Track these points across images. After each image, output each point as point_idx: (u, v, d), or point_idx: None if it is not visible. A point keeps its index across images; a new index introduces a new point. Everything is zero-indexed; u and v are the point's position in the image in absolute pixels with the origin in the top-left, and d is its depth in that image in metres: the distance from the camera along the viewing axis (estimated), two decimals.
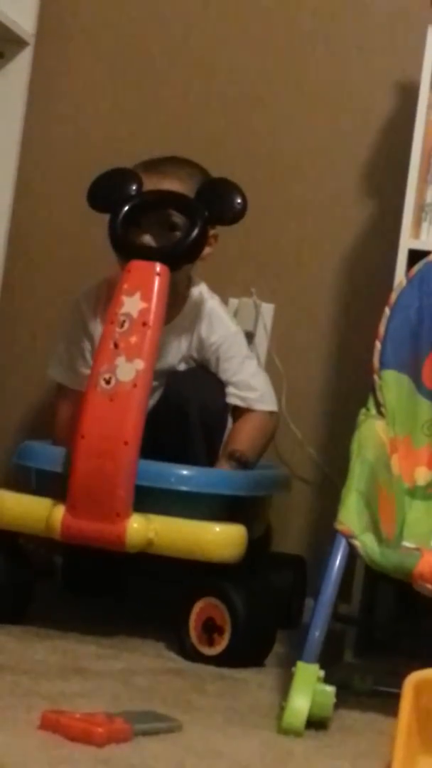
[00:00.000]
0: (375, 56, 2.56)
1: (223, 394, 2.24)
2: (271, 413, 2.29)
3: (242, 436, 2.23)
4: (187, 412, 2.18)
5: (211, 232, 2.20)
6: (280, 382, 2.46)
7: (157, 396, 2.20)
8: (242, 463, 2.20)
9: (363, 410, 1.97)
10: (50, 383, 2.33)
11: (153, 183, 2.19)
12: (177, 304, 2.22)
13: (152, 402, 2.15)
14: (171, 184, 2.19)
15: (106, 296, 2.23)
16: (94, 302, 2.26)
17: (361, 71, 2.57)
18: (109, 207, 2.17)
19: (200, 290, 2.28)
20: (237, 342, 2.28)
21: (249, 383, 2.26)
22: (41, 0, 2.63)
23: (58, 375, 2.30)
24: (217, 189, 2.18)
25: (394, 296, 2.05)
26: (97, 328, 2.22)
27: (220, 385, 2.24)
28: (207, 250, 2.20)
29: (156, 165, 2.23)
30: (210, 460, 2.20)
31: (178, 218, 2.17)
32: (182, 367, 2.25)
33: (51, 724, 1.50)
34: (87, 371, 2.19)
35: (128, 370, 2.05)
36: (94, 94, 2.69)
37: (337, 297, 2.55)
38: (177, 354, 2.24)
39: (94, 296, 2.27)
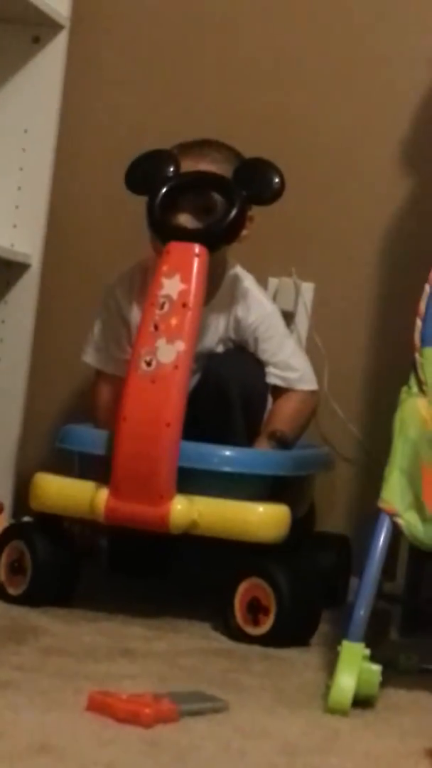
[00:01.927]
0: (413, 32, 2.54)
1: (263, 375, 2.23)
2: (312, 392, 2.29)
3: (282, 416, 2.23)
4: (228, 393, 2.18)
5: (248, 213, 2.20)
6: (322, 362, 2.46)
7: (196, 379, 2.20)
8: (282, 442, 2.19)
9: (405, 388, 1.96)
10: (89, 368, 2.34)
11: (189, 165, 2.19)
12: (213, 285, 2.22)
13: (192, 384, 2.15)
14: (208, 166, 2.19)
15: (141, 281, 2.23)
16: (128, 287, 2.27)
17: (399, 47, 2.55)
18: (147, 189, 2.17)
19: (235, 271, 2.28)
20: (274, 322, 2.27)
21: (289, 363, 2.26)
22: None
23: (95, 360, 2.30)
24: (255, 169, 2.17)
25: None
26: (132, 313, 2.22)
27: (259, 366, 2.24)
28: (243, 232, 2.19)
29: (192, 147, 2.23)
30: (251, 441, 2.20)
31: (216, 199, 2.16)
32: (220, 349, 2.25)
33: (98, 706, 1.51)
34: (122, 356, 2.20)
35: (169, 351, 2.05)
36: (130, 77, 2.68)
37: (377, 275, 2.54)
38: (215, 336, 2.24)
39: (128, 281, 2.27)
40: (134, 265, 2.29)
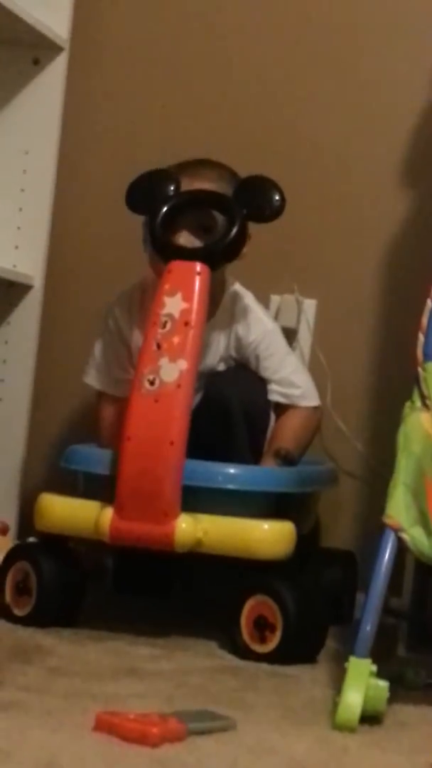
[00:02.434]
0: (414, 47, 2.55)
1: (265, 392, 2.24)
2: (315, 408, 2.29)
3: (286, 433, 2.23)
4: (230, 411, 2.18)
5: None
6: (325, 378, 2.46)
7: (198, 398, 2.20)
8: (287, 460, 2.19)
9: (408, 403, 1.96)
10: (92, 389, 2.34)
11: (186, 185, 2.19)
12: (213, 304, 2.22)
13: (194, 403, 2.15)
14: (203, 184, 2.19)
15: (139, 300, 2.23)
16: (127, 307, 2.27)
17: (401, 62, 2.56)
18: (147, 208, 2.17)
19: (235, 289, 2.29)
20: (275, 339, 2.28)
21: (291, 380, 2.26)
22: (75, 5, 2.64)
23: (96, 382, 2.30)
24: (255, 187, 2.18)
25: None
26: (132, 333, 2.23)
27: (261, 383, 2.24)
28: (243, 250, 2.20)
29: (188, 167, 2.23)
30: (255, 458, 2.20)
31: (216, 217, 2.17)
32: (222, 367, 2.26)
33: (105, 726, 1.51)
34: (124, 377, 2.21)
35: (172, 370, 2.05)
36: (130, 98, 2.69)
37: (379, 290, 2.55)
38: (216, 355, 2.25)
39: (127, 301, 2.28)
40: (133, 284, 2.29)
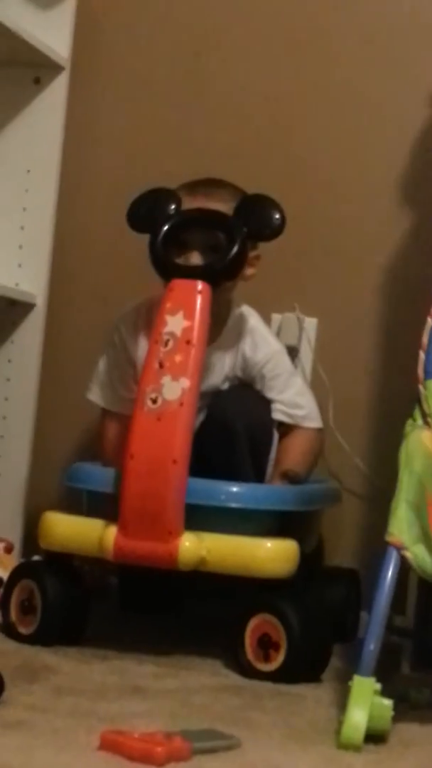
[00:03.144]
0: (411, 67, 2.56)
1: (269, 411, 2.24)
2: (318, 430, 2.30)
3: (293, 455, 2.24)
4: (234, 430, 2.18)
5: (253, 253, 2.22)
6: (327, 396, 2.46)
7: (201, 417, 2.20)
8: (295, 481, 2.20)
9: (409, 421, 1.96)
10: (96, 406, 2.34)
11: (197, 205, 2.19)
12: (219, 324, 2.23)
13: (197, 423, 2.15)
14: (216, 205, 2.19)
15: (145, 317, 2.24)
16: (133, 324, 2.27)
17: (397, 83, 2.57)
18: (148, 227, 2.18)
19: (241, 310, 2.29)
20: (281, 359, 2.28)
21: (296, 401, 2.27)
22: (75, 24, 2.65)
23: (100, 399, 2.31)
24: (256, 205, 2.18)
25: None
26: (137, 350, 2.23)
27: (265, 402, 2.24)
28: (250, 270, 2.22)
29: (198, 187, 2.23)
30: (258, 477, 2.20)
31: (217, 236, 2.18)
32: (226, 386, 2.26)
33: (110, 745, 1.51)
34: (128, 395, 2.21)
35: (174, 388, 2.06)
36: (131, 117, 2.71)
37: (380, 308, 2.55)
38: (221, 374, 2.25)
39: (134, 318, 2.28)
40: (141, 301, 2.29)
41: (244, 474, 2.18)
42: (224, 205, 2.20)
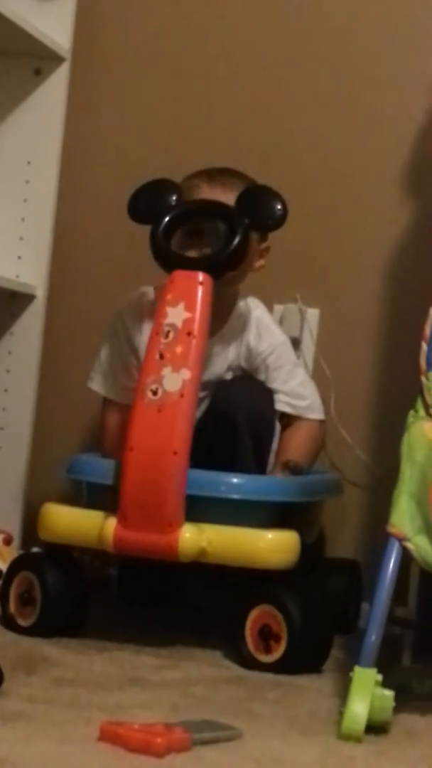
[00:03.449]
0: (414, 60, 2.55)
1: (271, 402, 2.24)
2: (321, 422, 2.30)
3: (295, 445, 2.23)
4: (236, 420, 2.18)
5: (264, 244, 2.22)
6: (328, 387, 2.46)
7: (204, 406, 2.20)
8: (296, 472, 2.19)
9: (411, 412, 1.95)
10: (96, 398, 2.34)
11: (215, 195, 2.19)
12: (224, 314, 2.23)
13: (199, 413, 2.15)
14: (233, 196, 2.17)
15: (149, 306, 2.23)
16: (138, 314, 2.26)
17: (399, 74, 2.57)
18: (149, 218, 2.17)
19: (246, 301, 2.29)
20: (285, 351, 2.28)
21: (299, 392, 2.26)
22: (76, 15, 2.64)
23: (101, 388, 2.30)
24: (258, 196, 2.18)
25: None
26: (140, 339, 2.22)
27: (267, 393, 2.24)
28: (259, 262, 2.23)
29: (216, 176, 2.22)
30: (259, 468, 2.20)
31: (219, 227, 2.17)
32: (229, 376, 2.26)
33: (110, 736, 1.51)
34: (130, 384, 2.20)
35: (175, 380, 2.05)
36: (132, 108, 2.70)
37: (382, 299, 2.55)
38: (224, 364, 2.25)
39: (138, 307, 2.27)
40: (144, 289, 2.27)
41: (245, 465, 2.17)
42: (236, 194, 2.19)
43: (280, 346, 2.27)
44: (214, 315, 2.12)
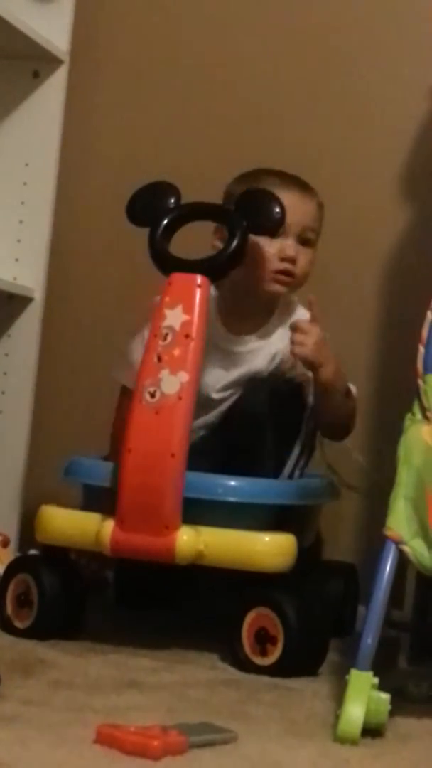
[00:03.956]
0: (414, 62, 2.56)
1: (300, 404, 2.21)
2: (356, 406, 2.28)
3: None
4: (260, 418, 2.16)
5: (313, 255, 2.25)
6: None
7: (233, 398, 2.22)
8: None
9: (409, 415, 1.96)
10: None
11: (293, 198, 2.21)
12: (266, 315, 2.25)
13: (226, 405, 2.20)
14: (311, 203, 2.26)
15: None
16: None
17: (396, 78, 2.57)
18: (147, 221, 2.18)
19: (290, 299, 2.29)
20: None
21: None
22: (75, 18, 2.65)
23: (125, 379, 2.25)
24: (256, 199, 2.18)
25: None
26: None
27: (297, 396, 2.21)
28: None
29: (289, 178, 2.26)
30: (278, 469, 2.18)
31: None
32: (272, 368, 2.25)
33: (106, 739, 1.51)
34: None
35: (173, 382, 2.05)
36: (130, 110, 2.70)
37: (379, 302, 2.55)
38: (265, 359, 2.25)
39: None
40: None
41: (264, 464, 2.16)
42: (314, 202, 2.26)
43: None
44: (256, 312, 2.19)
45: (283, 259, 2.23)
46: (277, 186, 2.22)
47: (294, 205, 2.22)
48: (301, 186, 2.27)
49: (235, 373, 2.25)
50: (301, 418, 2.23)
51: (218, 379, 2.25)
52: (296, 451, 2.22)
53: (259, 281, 2.24)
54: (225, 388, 2.25)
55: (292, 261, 2.24)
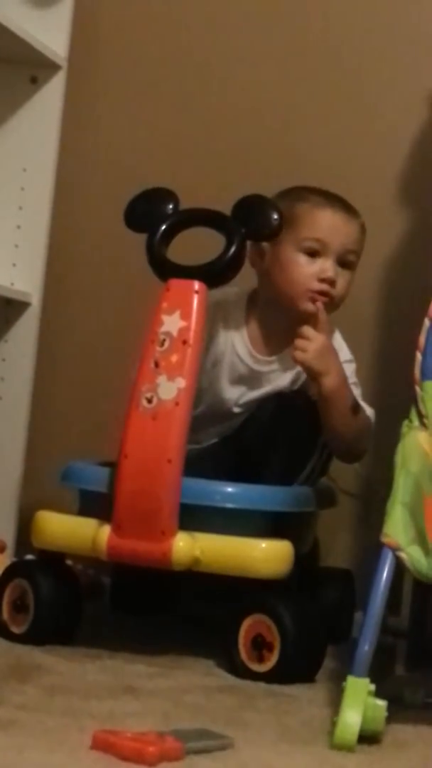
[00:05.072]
0: (414, 66, 2.56)
1: (315, 423, 2.19)
2: (371, 425, 2.25)
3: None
4: (275, 431, 2.17)
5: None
6: None
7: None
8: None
9: (406, 422, 1.96)
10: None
11: (337, 217, 2.21)
12: (296, 331, 2.20)
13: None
14: (355, 223, 2.25)
15: (233, 310, 2.26)
16: (223, 315, 2.25)
17: (395, 84, 2.57)
18: (146, 227, 2.18)
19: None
20: (351, 369, 2.26)
21: (360, 404, 2.24)
22: (73, 23, 2.65)
23: None
24: (254, 206, 2.18)
25: None
26: (211, 343, 2.22)
27: (315, 410, 2.19)
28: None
29: (333, 197, 2.24)
30: (288, 483, 2.18)
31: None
32: (296, 387, 2.25)
33: (102, 744, 1.51)
34: None
35: (170, 388, 2.05)
36: (128, 116, 2.70)
37: (377, 308, 2.55)
38: (289, 379, 2.25)
39: (218, 310, 2.25)
40: (228, 295, 2.26)
41: (272, 476, 2.15)
42: (358, 224, 2.24)
43: (348, 363, 2.25)
44: (286, 331, 2.18)
45: (322, 280, 2.21)
46: (320, 205, 2.22)
47: (338, 226, 2.22)
48: (346, 207, 2.25)
49: (260, 391, 2.25)
50: (317, 438, 2.21)
51: (242, 395, 2.25)
52: (308, 468, 2.22)
53: (294, 299, 2.22)
54: (246, 404, 2.25)
55: (332, 283, 2.22)
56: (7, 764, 1.42)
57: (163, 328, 2.09)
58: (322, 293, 2.21)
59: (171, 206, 2.19)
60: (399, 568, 1.77)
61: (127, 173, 2.62)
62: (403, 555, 1.76)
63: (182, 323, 2.09)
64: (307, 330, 2.15)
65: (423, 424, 1.97)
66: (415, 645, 2.16)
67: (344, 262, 2.23)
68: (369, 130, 2.58)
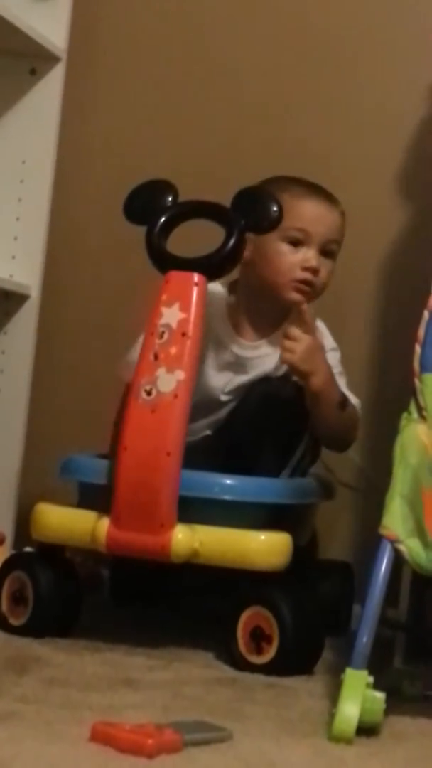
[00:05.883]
0: (409, 63, 2.56)
1: (303, 405, 2.20)
2: (357, 418, 2.27)
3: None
4: (263, 422, 2.17)
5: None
6: None
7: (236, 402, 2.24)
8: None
9: (405, 414, 1.96)
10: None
11: (321, 207, 2.22)
12: (281, 318, 2.24)
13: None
14: (337, 212, 2.26)
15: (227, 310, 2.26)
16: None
17: (395, 78, 2.57)
18: (145, 219, 2.18)
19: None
20: (335, 357, 2.28)
21: (345, 393, 2.25)
22: (72, 15, 2.64)
23: (128, 375, 2.17)
24: (253, 198, 2.18)
25: None
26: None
27: (301, 395, 2.20)
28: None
29: (317, 187, 2.26)
30: (277, 472, 2.18)
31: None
32: (280, 373, 2.25)
33: (101, 737, 1.51)
34: None
35: (169, 380, 2.05)
36: (127, 108, 2.70)
37: (376, 301, 2.55)
38: (274, 364, 2.25)
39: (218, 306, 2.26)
40: (216, 292, 2.27)
41: (264, 465, 2.16)
42: (339, 213, 2.26)
43: (332, 351, 2.27)
44: (269, 319, 2.21)
45: (305, 269, 2.23)
46: (303, 195, 2.23)
47: (320, 216, 2.23)
48: (327, 196, 2.27)
49: (244, 378, 2.25)
50: (305, 423, 2.22)
51: (227, 383, 2.26)
52: (298, 454, 2.22)
53: (278, 288, 2.24)
54: (233, 391, 2.26)
55: (315, 272, 2.23)
56: (6, 756, 1.42)
57: (163, 321, 2.08)
58: (305, 282, 2.23)
59: (170, 198, 2.19)
60: (398, 560, 1.77)
61: (127, 165, 2.62)
62: (401, 547, 1.76)
63: (181, 315, 2.08)
64: (293, 331, 2.16)
65: (422, 417, 1.96)
66: (413, 637, 2.16)
67: (326, 251, 2.25)
68: (368, 122, 2.58)
